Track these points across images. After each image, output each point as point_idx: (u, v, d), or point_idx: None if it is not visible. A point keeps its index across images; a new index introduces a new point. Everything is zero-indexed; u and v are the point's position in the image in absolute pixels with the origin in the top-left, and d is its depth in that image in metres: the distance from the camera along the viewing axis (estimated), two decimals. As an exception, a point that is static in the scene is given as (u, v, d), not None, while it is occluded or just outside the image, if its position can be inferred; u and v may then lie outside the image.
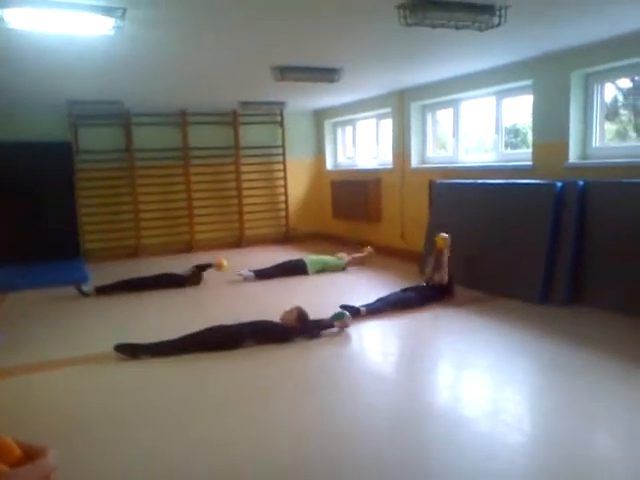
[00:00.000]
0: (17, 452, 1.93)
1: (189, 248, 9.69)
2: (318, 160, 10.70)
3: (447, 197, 6.84)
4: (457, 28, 4.04)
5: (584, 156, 5.69)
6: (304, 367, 4.00)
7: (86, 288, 6.38)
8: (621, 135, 5.88)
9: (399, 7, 3.77)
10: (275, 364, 4.06)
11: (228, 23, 4.16)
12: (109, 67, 5.53)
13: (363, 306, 5.12)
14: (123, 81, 6.37)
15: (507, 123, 6.84)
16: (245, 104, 8.72)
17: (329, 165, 10.50)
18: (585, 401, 3.25)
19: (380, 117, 8.91)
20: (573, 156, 5.66)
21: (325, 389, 3.59)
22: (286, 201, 10.44)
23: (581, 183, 5.26)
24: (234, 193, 10.01)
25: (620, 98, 5.93)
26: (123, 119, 9.03)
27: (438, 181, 7.08)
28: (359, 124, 9.69)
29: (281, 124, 10.19)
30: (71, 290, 6.44)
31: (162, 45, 4.73)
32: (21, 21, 3.66)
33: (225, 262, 7.01)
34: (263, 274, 7.00)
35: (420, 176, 7.73)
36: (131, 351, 4.20)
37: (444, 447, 2.79)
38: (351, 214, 9.36)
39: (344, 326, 4.66)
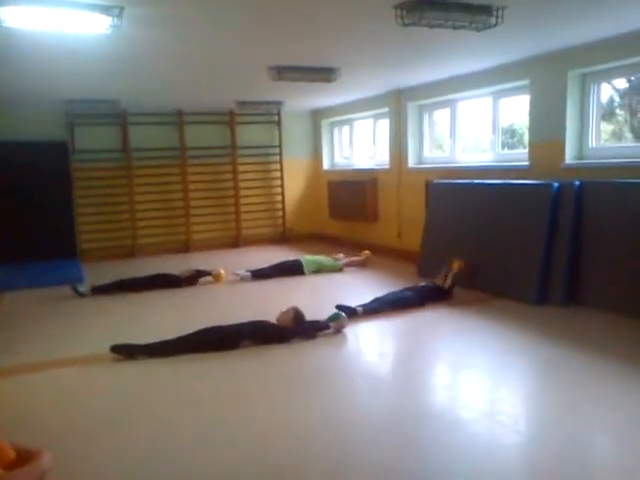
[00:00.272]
0: (11, 454, 1.92)
1: (186, 248, 9.68)
2: (315, 160, 10.70)
3: (444, 197, 6.84)
4: (454, 28, 4.04)
5: (580, 156, 5.69)
6: (300, 368, 3.99)
7: (82, 289, 6.36)
8: (617, 135, 5.89)
9: (396, 7, 3.77)
10: (271, 365, 4.05)
11: (225, 22, 4.15)
12: (106, 66, 5.51)
13: (360, 306, 5.11)
14: (120, 80, 6.35)
15: (504, 123, 6.85)
16: (242, 104, 8.71)
17: (326, 165, 10.50)
18: (581, 402, 3.25)
19: (377, 117, 8.91)
20: (569, 156, 5.67)
21: (321, 390, 3.58)
22: (283, 201, 10.43)
23: (577, 183, 5.27)
24: (231, 193, 10.00)
25: (616, 98, 5.94)
26: (120, 118, 9.01)
27: (435, 181, 7.08)
28: (356, 124, 9.69)
29: (278, 124, 10.18)
30: (67, 290, 6.42)
31: (159, 44, 4.72)
32: (17, 19, 3.64)
33: (223, 272, 6.99)
34: (260, 274, 6.99)
35: (417, 176, 7.73)
36: (127, 352, 4.19)
37: (440, 448, 2.78)
38: (348, 214, 9.35)
39: (340, 327, 4.65)
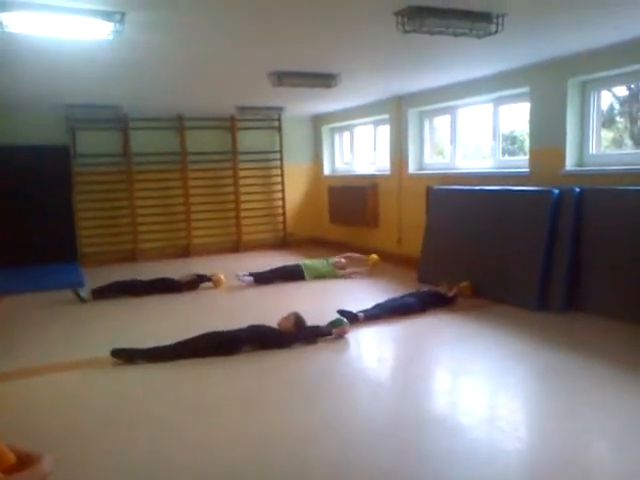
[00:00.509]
0: (11, 458, 1.91)
1: (186, 253, 9.68)
2: (316, 165, 10.72)
3: (444, 203, 6.85)
4: (455, 35, 4.06)
5: (581, 163, 5.70)
6: (301, 373, 3.99)
7: (83, 294, 6.34)
8: (617, 142, 5.90)
9: (397, 14, 3.78)
10: (272, 369, 4.05)
11: (226, 28, 4.17)
12: (107, 71, 5.53)
13: (361, 312, 5.11)
14: (121, 85, 6.37)
15: (504, 130, 6.87)
16: (243, 109, 8.73)
17: (327, 170, 10.52)
18: (581, 407, 3.25)
19: (378, 123, 8.93)
20: (570, 163, 5.68)
21: (322, 394, 3.58)
22: (284, 206, 10.44)
23: (578, 190, 5.28)
24: (232, 198, 10.02)
25: (616, 106, 5.96)
26: (121, 123, 9.03)
27: (435, 187, 7.10)
28: (357, 130, 9.71)
29: (279, 129, 10.20)
30: (67, 294, 6.42)
31: (160, 49, 4.74)
32: (20, 25, 3.66)
33: (223, 277, 6.99)
34: (261, 278, 6.98)
35: (417, 182, 7.74)
36: (127, 356, 4.19)
37: (441, 453, 2.78)
38: (348, 219, 9.36)
39: (342, 333, 4.64)
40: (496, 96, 6.59)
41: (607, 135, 5.93)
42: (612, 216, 5.01)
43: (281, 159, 10.31)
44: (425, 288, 5.87)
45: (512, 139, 7.16)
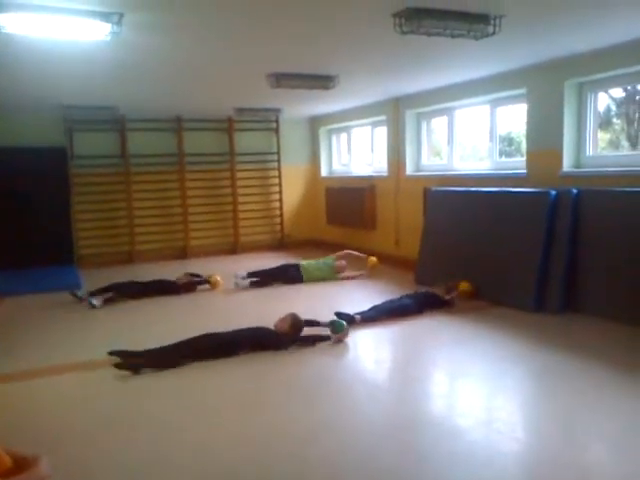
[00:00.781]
0: (7, 461, 1.90)
1: (184, 254, 9.67)
2: (313, 167, 10.72)
3: (442, 205, 6.86)
4: (452, 37, 4.07)
5: (578, 165, 5.72)
6: (300, 375, 3.98)
7: (96, 302, 6.10)
8: (614, 144, 5.92)
9: (395, 15, 3.79)
10: (271, 372, 4.05)
11: (224, 30, 4.17)
12: (105, 72, 5.53)
13: (358, 314, 5.11)
14: (119, 86, 6.37)
15: (501, 131, 6.88)
16: (240, 110, 8.73)
17: (324, 172, 10.52)
18: (578, 409, 3.25)
19: (375, 124, 8.94)
20: (567, 164, 5.69)
21: (321, 397, 3.58)
22: (281, 207, 10.44)
23: (575, 191, 5.29)
24: (229, 199, 10.01)
25: (613, 107, 5.97)
26: (118, 124, 9.02)
27: (433, 188, 7.10)
28: (354, 131, 9.72)
29: (276, 131, 10.20)
30: (65, 296, 6.41)
31: (158, 51, 4.74)
32: (17, 26, 3.65)
33: (220, 279, 6.98)
34: (259, 281, 6.97)
35: (415, 183, 7.75)
36: (130, 365, 4.07)
37: (439, 455, 2.78)
38: (346, 221, 9.37)
39: (342, 338, 4.59)
40: (493, 97, 6.60)
41: (604, 137, 5.94)
42: (609, 217, 5.02)
43: (279, 160, 10.31)
44: (422, 289, 5.87)
45: (509, 140, 7.17)
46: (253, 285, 6.94)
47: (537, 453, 2.79)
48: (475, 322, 5.08)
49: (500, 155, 6.85)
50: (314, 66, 5.66)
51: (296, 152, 10.57)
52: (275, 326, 4.58)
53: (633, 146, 5.68)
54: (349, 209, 9.15)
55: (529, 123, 6.04)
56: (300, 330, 4.56)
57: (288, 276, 7.10)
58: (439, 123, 7.86)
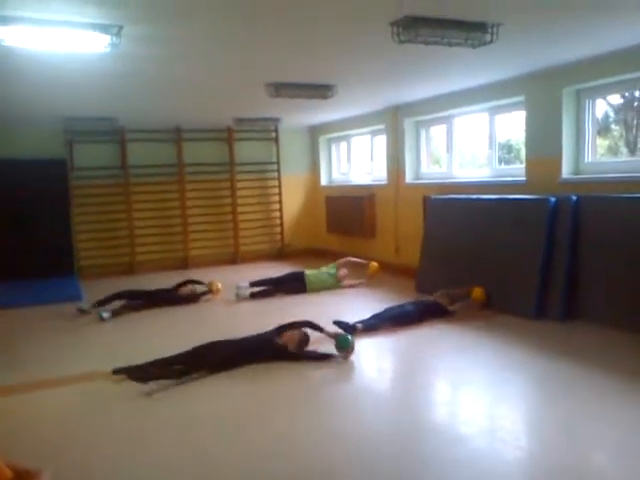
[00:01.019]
0: (8, 474, 1.90)
1: (184, 264, 9.67)
2: (313, 176, 10.74)
3: (441, 212, 6.86)
4: (450, 45, 4.08)
5: (577, 171, 5.73)
6: (303, 385, 3.98)
7: (105, 314, 6.03)
8: (613, 150, 5.93)
9: (392, 24, 3.80)
10: (273, 383, 4.03)
11: (223, 41, 4.19)
12: (104, 84, 5.55)
13: (359, 322, 5.09)
14: (118, 98, 6.39)
15: (500, 139, 6.89)
16: (240, 120, 8.76)
17: (324, 181, 10.54)
18: (580, 416, 3.24)
19: (374, 133, 8.96)
20: (566, 171, 5.70)
21: (323, 405, 3.57)
22: (281, 217, 10.45)
23: (574, 198, 5.29)
24: (229, 209, 10.02)
25: (611, 114, 5.99)
26: (118, 136, 9.05)
27: (432, 197, 7.11)
28: (353, 140, 9.75)
29: (276, 140, 10.23)
30: (66, 308, 6.40)
31: (157, 62, 4.76)
32: (16, 39, 3.67)
33: (220, 286, 6.97)
34: (262, 292, 6.94)
35: (414, 191, 7.76)
36: (137, 377, 4.02)
37: (442, 464, 2.77)
38: (346, 229, 9.37)
39: (349, 355, 4.43)
40: (492, 105, 6.62)
41: (602, 143, 5.96)
42: (609, 224, 5.02)
43: (278, 170, 10.33)
44: (425, 298, 5.83)
45: (508, 148, 7.19)
46: (255, 296, 6.90)
47: (540, 461, 2.78)
48: (476, 330, 5.07)
49: (499, 162, 6.86)
50: (313, 75, 5.68)
51: (296, 161, 10.59)
52: (283, 337, 4.53)
53: (632, 152, 5.69)
54: (349, 218, 9.16)
55: (528, 130, 6.06)
56: (306, 344, 4.53)
57: (292, 287, 7.07)
58: (438, 131, 7.89)
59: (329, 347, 4.51)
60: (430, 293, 5.99)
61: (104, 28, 3.66)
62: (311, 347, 4.55)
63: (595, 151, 5.69)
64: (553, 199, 5.42)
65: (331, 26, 3.91)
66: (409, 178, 8.04)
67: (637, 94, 5.58)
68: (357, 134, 9.52)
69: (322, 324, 4.86)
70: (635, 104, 5.78)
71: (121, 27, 3.68)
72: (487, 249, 6.00)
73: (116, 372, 4.15)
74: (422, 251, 7.00)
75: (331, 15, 3.65)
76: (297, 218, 10.68)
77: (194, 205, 9.72)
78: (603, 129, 5.98)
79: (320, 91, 6.19)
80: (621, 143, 5.93)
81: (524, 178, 6.11)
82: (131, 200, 9.23)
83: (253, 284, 7.05)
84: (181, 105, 7.20)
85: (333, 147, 10.44)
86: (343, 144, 10.13)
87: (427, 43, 4.00)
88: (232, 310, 6.46)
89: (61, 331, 5.67)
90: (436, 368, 4.32)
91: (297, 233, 10.64)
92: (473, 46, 4.15)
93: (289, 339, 4.51)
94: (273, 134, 10.19)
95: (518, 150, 6.89)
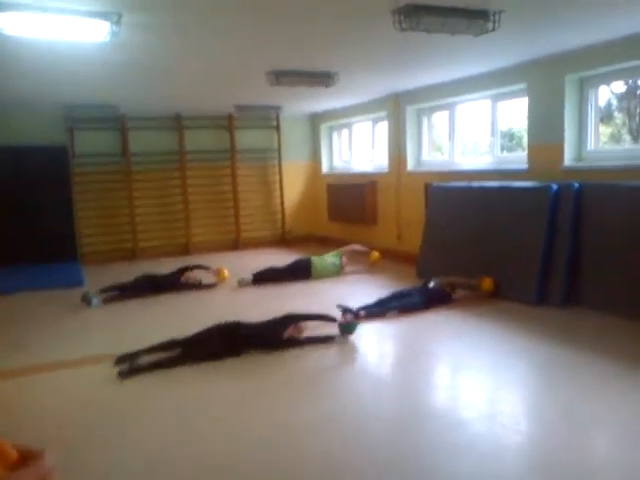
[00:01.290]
0: (14, 455, 1.93)
1: (186, 251, 9.70)
2: (314, 163, 10.73)
3: (443, 200, 6.86)
4: (452, 33, 4.07)
5: (579, 159, 5.72)
6: (303, 369, 4.00)
7: (95, 301, 6.04)
8: (615, 138, 5.92)
9: (394, 12, 3.79)
10: (273, 366, 4.06)
11: (224, 28, 4.18)
12: (105, 72, 5.54)
13: (362, 309, 5.11)
14: (119, 86, 6.38)
15: (503, 127, 6.88)
16: (241, 108, 8.74)
17: (325, 168, 10.53)
18: (581, 402, 3.27)
19: (376, 120, 8.94)
20: (568, 159, 5.70)
21: (324, 390, 3.60)
22: (282, 204, 10.46)
23: (576, 185, 5.29)
24: (230, 196, 10.03)
25: (614, 101, 5.97)
26: (119, 123, 9.04)
27: (434, 184, 7.11)
28: (355, 127, 9.72)
29: (277, 128, 10.21)
30: (68, 292, 6.43)
31: (157, 50, 4.75)
32: (16, 26, 3.66)
33: (227, 273, 6.97)
34: (266, 276, 6.94)
35: (416, 179, 7.75)
36: (132, 366, 4.03)
37: (442, 448, 2.80)
38: (347, 217, 9.38)
39: (347, 336, 4.53)
40: (494, 92, 6.60)
41: (605, 131, 5.94)
42: (611, 211, 5.03)
43: (279, 157, 10.32)
44: (429, 283, 5.81)
45: (510, 136, 7.18)
46: (258, 282, 6.86)
47: (540, 445, 2.81)
48: (477, 316, 5.09)
49: (501, 150, 6.85)
50: (313, 63, 5.66)
51: (297, 149, 10.58)
52: (287, 330, 4.52)
53: (634, 140, 5.68)
54: (350, 205, 9.16)
55: (530, 118, 6.04)
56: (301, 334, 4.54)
57: (296, 275, 7.04)
58: (440, 118, 7.86)
59: (330, 329, 4.57)
60: (430, 278, 5.95)
61: (104, 16, 3.66)
62: (313, 330, 4.59)
63: (598, 139, 5.68)
64: (555, 186, 5.43)
65: (332, 14, 3.89)
66: (411, 165, 8.04)
67: (640, 81, 5.56)
68: (359, 121, 9.49)
69: (325, 310, 4.88)
70: (638, 92, 5.75)
71: (120, 15, 3.67)
72: (489, 236, 6.01)
73: (118, 362, 4.14)
74: (423, 238, 7.02)
75: (332, 2, 3.63)
76: (298, 205, 10.68)
77: (195, 192, 9.73)
78: (606, 117, 5.96)
79: (321, 79, 6.17)
80: (624, 131, 5.92)
81: (526, 166, 6.10)
82: (133, 187, 9.24)
83: (258, 276, 6.96)
84: (182, 93, 7.18)
85: (334, 135, 10.41)
86: (344, 131, 10.11)
87: (429, 31, 3.99)
88: (234, 296, 6.48)
89: (64, 315, 5.71)
90: (437, 353, 4.35)
91: (298, 220, 10.66)
92: (475, 34, 4.14)
93: (295, 329, 4.51)
94: (274, 122, 10.17)
95: (520, 138, 6.88)
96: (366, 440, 2.92)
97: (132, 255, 9.34)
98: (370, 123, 9.14)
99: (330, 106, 9.34)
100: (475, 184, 6.46)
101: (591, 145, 5.66)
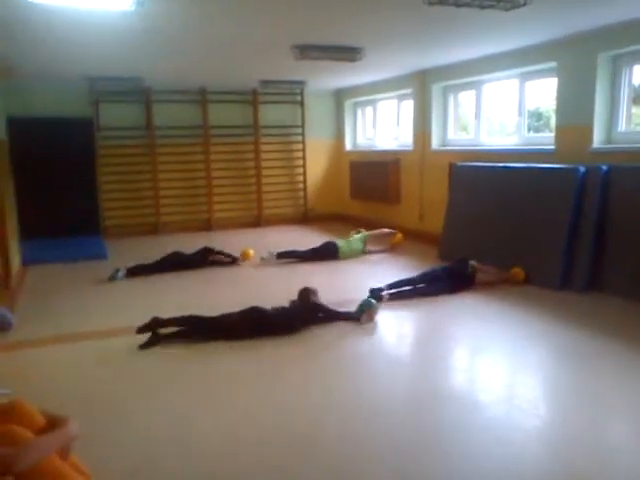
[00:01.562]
0: (41, 420, 1.99)
1: (208, 226, 9.75)
2: (337, 140, 10.66)
3: (467, 180, 6.78)
4: (481, 7, 3.98)
5: (609, 140, 5.58)
6: (323, 352, 4.01)
7: (120, 273, 6.12)
8: (648, 119, 5.75)
9: (423, -15, 3.71)
10: (291, 345, 4.08)
11: (250, 0, 4.13)
12: (130, 43, 5.53)
13: (387, 292, 5.07)
14: (144, 56, 6.37)
15: (530, 106, 6.73)
16: (265, 83, 8.70)
17: (348, 146, 10.46)
18: (601, 387, 3.24)
19: (401, 98, 8.82)
20: (597, 140, 5.56)
21: (345, 371, 3.61)
22: (305, 181, 10.43)
23: (605, 168, 5.18)
24: (253, 172, 10.03)
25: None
26: (143, 96, 9.06)
27: (459, 164, 7.02)
28: (380, 104, 9.61)
29: (301, 104, 10.14)
30: (91, 264, 6.53)
31: (183, 21, 4.72)
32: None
33: (252, 252, 6.97)
34: (293, 257, 6.93)
35: (440, 158, 7.66)
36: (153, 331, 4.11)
37: (459, 430, 2.80)
38: (370, 195, 9.33)
39: (372, 317, 4.52)
40: (522, 71, 6.45)
41: (638, 112, 5.78)
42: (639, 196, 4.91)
43: (303, 134, 10.27)
44: (455, 265, 5.62)
45: (537, 116, 7.03)
46: (282, 257, 6.85)
47: (558, 429, 2.79)
48: (500, 300, 5.05)
49: (528, 130, 6.72)
50: (339, 38, 5.58)
51: (321, 125, 10.51)
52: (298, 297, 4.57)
53: (667, 122, 5.52)
54: (373, 184, 9.10)
55: (559, 97, 5.90)
56: (325, 309, 4.53)
57: (323, 257, 6.95)
58: (466, 97, 7.73)
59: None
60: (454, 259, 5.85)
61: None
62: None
63: (630, 120, 5.53)
64: (582, 169, 5.31)
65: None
66: (435, 144, 7.94)
67: (676, 61, 5.37)
68: (383, 98, 9.38)
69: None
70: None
71: (147, -15, 3.65)
72: (513, 218, 5.93)
73: (141, 331, 4.20)
74: (446, 219, 6.96)
75: (361, -25, 3.56)
76: (321, 183, 10.65)
77: (218, 167, 9.74)
78: (639, 97, 5.79)
79: (347, 54, 6.09)
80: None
81: (553, 147, 5.98)
82: (156, 161, 9.28)
83: (282, 255, 6.91)
84: (206, 66, 7.15)
85: (359, 111, 10.31)
86: (369, 109, 10.00)
87: (458, 5, 3.90)
88: (259, 274, 6.47)
89: (89, 288, 5.80)
90: (457, 336, 4.33)
91: (321, 198, 10.63)
92: (505, 9, 4.04)
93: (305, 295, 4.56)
94: (298, 97, 10.10)
95: (548, 118, 6.73)
96: (382, 421, 2.92)
97: (154, 230, 9.42)
98: (395, 100, 9.02)
99: (355, 82, 9.24)
100: (500, 165, 6.36)
101: (622, 127, 5.51)
